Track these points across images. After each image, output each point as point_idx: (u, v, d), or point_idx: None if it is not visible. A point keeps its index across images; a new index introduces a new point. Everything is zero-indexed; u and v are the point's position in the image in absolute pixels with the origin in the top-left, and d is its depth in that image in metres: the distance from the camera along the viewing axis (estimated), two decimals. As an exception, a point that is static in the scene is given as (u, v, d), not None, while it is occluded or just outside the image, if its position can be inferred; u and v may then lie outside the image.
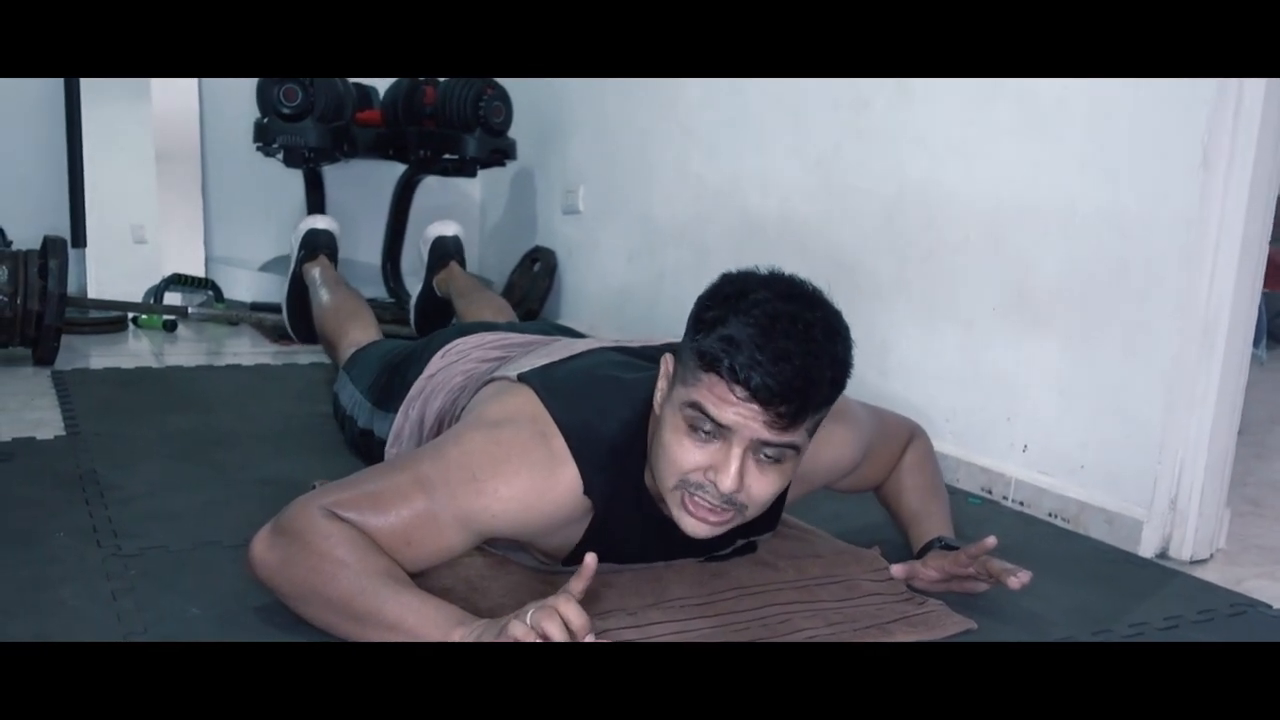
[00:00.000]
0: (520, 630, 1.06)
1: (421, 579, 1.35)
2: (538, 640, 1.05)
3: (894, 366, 2.24)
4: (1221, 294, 1.72)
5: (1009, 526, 1.87)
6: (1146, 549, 1.78)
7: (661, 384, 1.26)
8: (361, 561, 1.17)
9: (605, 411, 1.31)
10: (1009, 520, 1.91)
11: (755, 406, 1.15)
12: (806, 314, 1.17)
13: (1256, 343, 2.50)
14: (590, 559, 1.11)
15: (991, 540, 1.41)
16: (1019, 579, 1.37)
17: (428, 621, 1.13)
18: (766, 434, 1.16)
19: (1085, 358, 1.88)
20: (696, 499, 1.22)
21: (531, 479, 1.26)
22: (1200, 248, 1.71)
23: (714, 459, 1.19)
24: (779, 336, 1.14)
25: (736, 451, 1.17)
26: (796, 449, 1.20)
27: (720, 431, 1.17)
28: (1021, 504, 1.97)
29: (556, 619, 1.05)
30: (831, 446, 1.44)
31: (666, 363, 1.26)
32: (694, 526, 1.24)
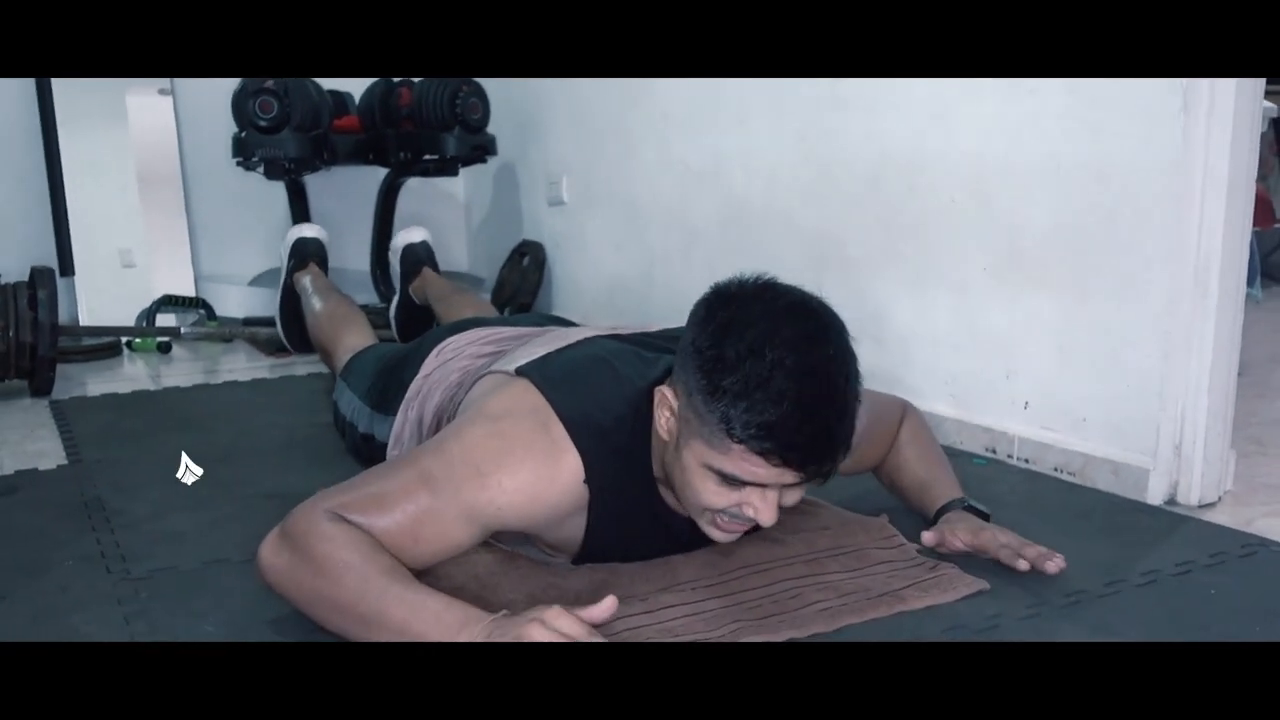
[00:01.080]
0: (539, 633, 1.07)
1: (432, 578, 1.35)
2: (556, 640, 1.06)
3: (890, 335, 2.23)
4: (1211, 236, 1.72)
5: (1015, 484, 1.87)
6: (1154, 496, 1.78)
7: (666, 414, 1.25)
8: (366, 563, 1.16)
9: (604, 405, 1.31)
10: (1015, 478, 1.91)
11: (790, 471, 1.17)
12: (827, 364, 1.17)
13: (1251, 282, 2.49)
14: (610, 602, 1.13)
15: (1024, 565, 1.41)
16: (1055, 563, 1.41)
17: (434, 621, 1.12)
18: (796, 482, 1.20)
19: (1080, 310, 1.88)
20: (725, 519, 1.25)
21: (535, 469, 1.26)
22: (1187, 191, 1.70)
23: (745, 499, 1.21)
24: (815, 409, 1.15)
25: (772, 497, 1.21)
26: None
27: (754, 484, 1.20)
28: (1026, 461, 1.97)
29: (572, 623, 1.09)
30: None
31: (667, 396, 1.24)
32: (722, 537, 1.29)
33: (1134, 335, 1.80)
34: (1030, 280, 1.96)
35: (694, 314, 1.23)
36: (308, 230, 2.70)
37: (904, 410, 1.66)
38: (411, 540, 1.23)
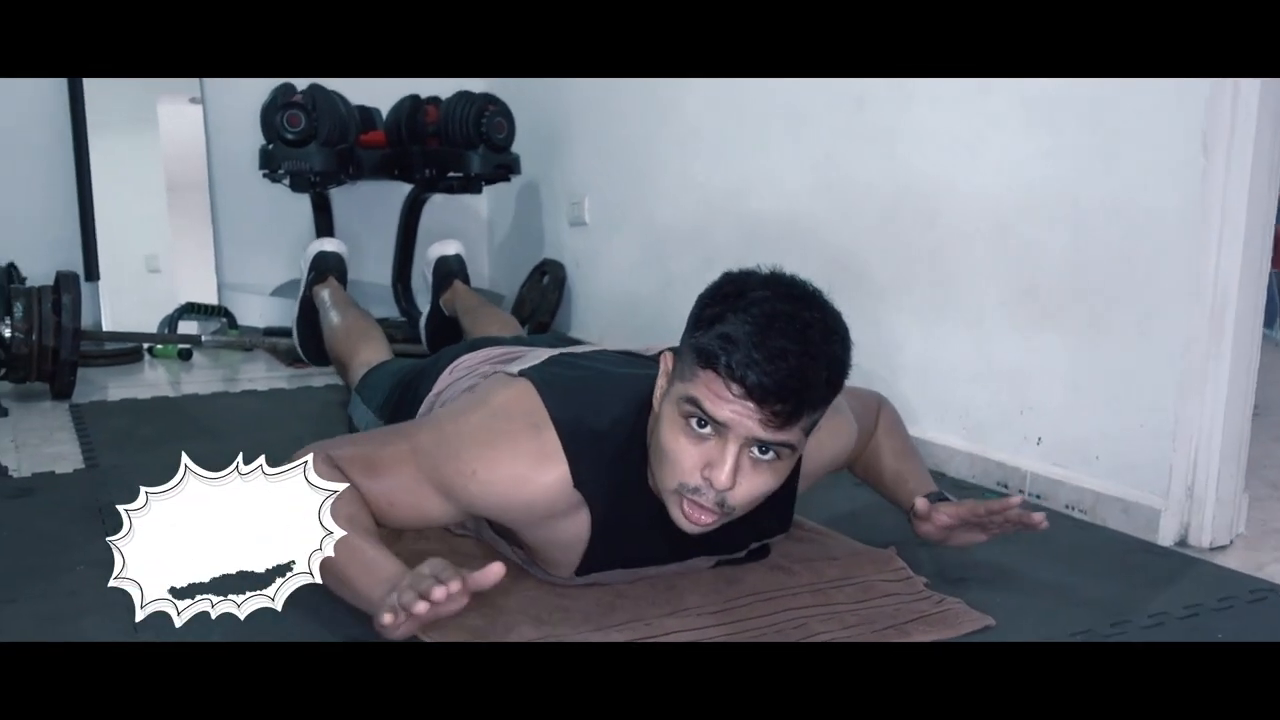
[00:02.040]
0: (389, 619, 1.11)
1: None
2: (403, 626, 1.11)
3: (903, 365, 2.23)
4: (1228, 277, 1.71)
5: (1026, 520, 1.87)
6: (1165, 537, 1.77)
7: (661, 381, 1.27)
8: (338, 512, 1.18)
9: (600, 407, 1.33)
10: (1026, 514, 1.91)
11: (750, 404, 1.15)
12: (805, 313, 1.18)
13: (1269, 324, 2.48)
14: (496, 567, 1.13)
15: (1016, 498, 1.45)
16: (1039, 515, 1.44)
17: (375, 581, 1.18)
18: (761, 432, 1.17)
19: (1095, 348, 1.88)
20: (692, 500, 1.23)
21: (513, 470, 1.29)
22: (1204, 232, 1.70)
23: (710, 455, 1.20)
24: (776, 335, 1.15)
25: (732, 449, 1.18)
26: (791, 448, 1.21)
27: (716, 428, 1.18)
28: (1038, 497, 1.96)
29: (415, 596, 1.10)
30: (836, 437, 1.47)
31: (666, 360, 1.28)
32: (687, 525, 1.26)
33: (1148, 374, 1.79)
34: (1046, 316, 1.96)
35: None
36: (329, 244, 2.73)
37: (880, 403, 1.68)
38: (388, 504, 1.33)
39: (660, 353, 1.44)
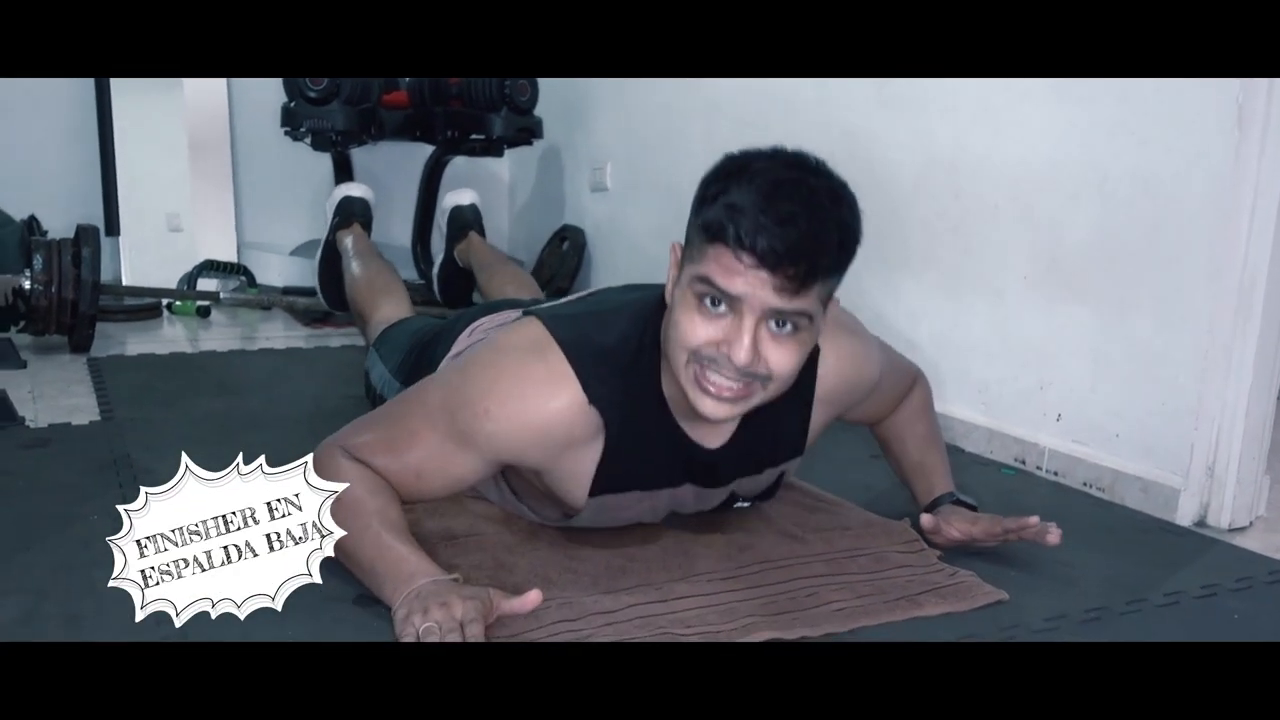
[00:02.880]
0: (410, 634, 1.15)
1: (451, 554, 1.37)
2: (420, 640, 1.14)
3: (924, 338, 2.21)
4: (1258, 256, 1.69)
5: (1043, 497, 1.85)
6: (1184, 517, 1.75)
7: (672, 273, 1.24)
8: (358, 503, 1.23)
9: (606, 324, 1.31)
10: (1043, 490, 1.89)
11: (763, 273, 1.13)
12: (810, 180, 1.17)
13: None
14: (534, 596, 1.19)
15: (1033, 520, 1.43)
16: (1055, 534, 1.42)
17: (393, 565, 1.22)
18: (777, 301, 1.14)
19: (1118, 324, 1.85)
20: (710, 375, 1.19)
21: (524, 397, 1.26)
22: (1235, 209, 1.67)
23: (726, 332, 1.17)
24: (783, 200, 1.13)
25: (749, 322, 1.15)
26: (810, 317, 1.17)
27: (731, 303, 1.16)
28: (1056, 474, 1.95)
29: (439, 635, 1.13)
30: (856, 361, 1.42)
31: (675, 250, 1.25)
32: (712, 407, 1.20)
33: (1172, 352, 1.77)
34: (1069, 291, 1.93)
35: None
36: (355, 190, 2.70)
37: (915, 377, 1.64)
38: (416, 477, 1.31)
39: None
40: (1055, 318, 1.96)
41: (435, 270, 2.82)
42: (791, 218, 1.12)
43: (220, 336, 2.89)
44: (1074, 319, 1.93)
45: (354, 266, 2.46)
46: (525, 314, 1.37)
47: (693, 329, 1.18)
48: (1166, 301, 1.77)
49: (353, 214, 2.64)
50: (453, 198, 2.79)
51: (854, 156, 2.38)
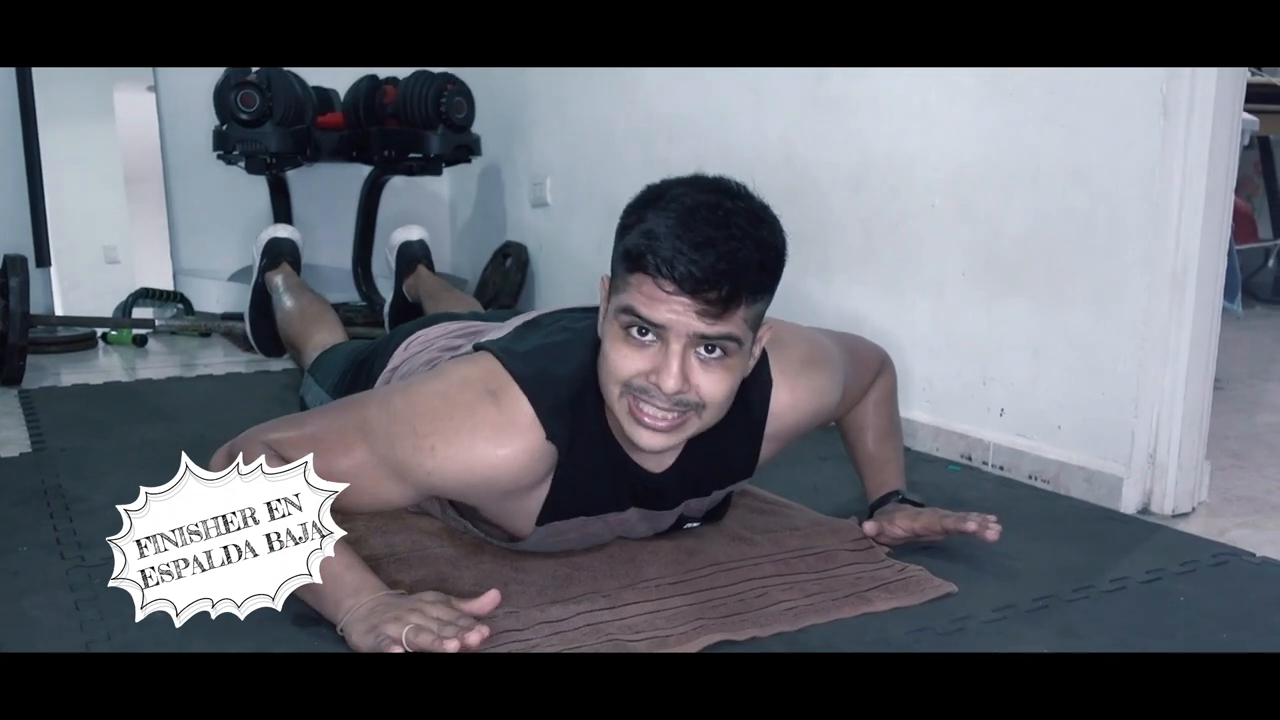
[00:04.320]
0: (394, 643, 1.11)
1: (394, 566, 1.34)
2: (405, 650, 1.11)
3: (867, 338, 2.21)
4: (1189, 243, 1.71)
5: (989, 491, 1.86)
6: (1128, 505, 1.77)
7: (601, 306, 1.23)
8: None
9: (562, 356, 1.28)
10: (989, 485, 1.90)
11: (685, 299, 1.12)
12: (727, 203, 1.16)
13: (1231, 298, 2.48)
14: (492, 596, 1.18)
15: (971, 524, 1.42)
16: (994, 530, 1.41)
17: (333, 579, 1.16)
18: (701, 326, 1.13)
19: (1056, 316, 1.87)
20: (644, 406, 1.18)
21: (473, 441, 1.22)
22: (1165, 198, 1.69)
23: (654, 361, 1.16)
24: (700, 224, 1.12)
25: (675, 349, 1.15)
26: (738, 341, 1.17)
27: (657, 331, 1.15)
28: (1001, 468, 1.96)
29: (433, 638, 1.11)
30: (814, 395, 1.41)
31: (603, 283, 1.24)
32: (647, 439, 1.20)
33: (1109, 341, 1.78)
34: (1007, 285, 1.94)
35: None
36: (281, 231, 2.66)
37: (882, 364, 1.63)
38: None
39: None
40: (995, 312, 1.97)
41: (386, 309, 2.80)
42: (709, 241, 1.11)
43: (158, 365, 2.83)
44: (1013, 312, 1.94)
45: (285, 301, 2.43)
46: (477, 348, 1.33)
47: (621, 361, 1.18)
48: (1102, 291, 1.79)
49: (280, 254, 2.61)
50: (401, 234, 2.77)
51: (790, 161, 2.40)
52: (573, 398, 1.26)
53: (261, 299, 2.59)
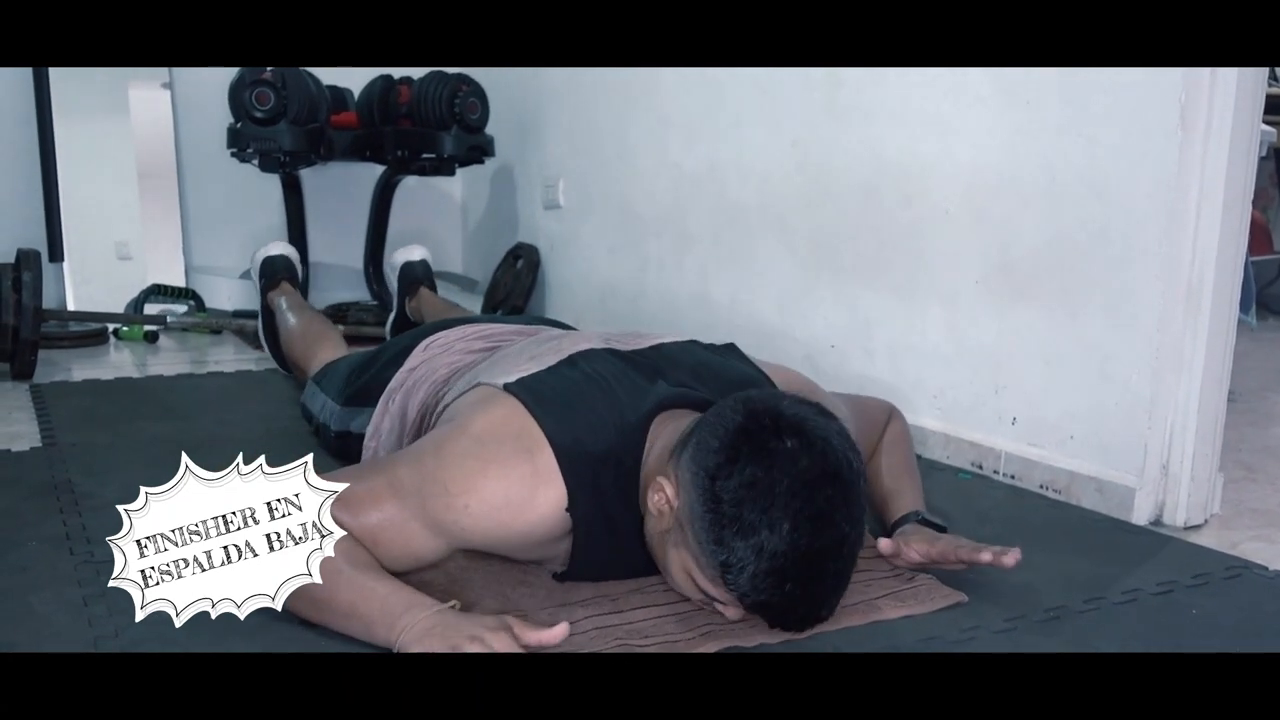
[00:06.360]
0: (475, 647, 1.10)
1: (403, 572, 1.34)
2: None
3: (879, 346, 2.21)
4: (1205, 256, 1.70)
5: (1000, 500, 1.85)
6: (1140, 516, 1.76)
7: (657, 501, 1.22)
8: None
9: (597, 431, 1.28)
10: (1000, 494, 1.89)
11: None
12: (835, 544, 1.16)
13: (1246, 310, 2.47)
14: (561, 629, 1.14)
15: (987, 556, 1.37)
16: (1013, 556, 1.35)
17: (379, 605, 1.15)
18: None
19: (1070, 326, 1.86)
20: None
21: (508, 497, 1.23)
22: (1182, 209, 1.68)
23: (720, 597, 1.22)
24: (812, 592, 1.18)
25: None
26: None
27: None
28: (1012, 477, 1.95)
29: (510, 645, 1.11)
30: None
31: (664, 487, 1.21)
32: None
33: (1124, 352, 1.77)
34: (1021, 294, 1.94)
35: (717, 433, 1.18)
36: (274, 248, 2.64)
37: (889, 416, 1.63)
38: (372, 543, 1.23)
39: (649, 351, 1.41)
40: (1008, 321, 1.96)
41: (388, 328, 2.79)
42: (818, 610, 1.21)
43: (168, 361, 2.84)
44: (1026, 322, 1.93)
45: (289, 320, 2.43)
46: (505, 389, 1.32)
47: (686, 590, 1.26)
48: (1117, 302, 1.78)
49: (277, 272, 2.59)
50: (403, 254, 2.76)
51: (804, 167, 2.40)
52: (607, 484, 1.27)
53: (269, 320, 2.58)
